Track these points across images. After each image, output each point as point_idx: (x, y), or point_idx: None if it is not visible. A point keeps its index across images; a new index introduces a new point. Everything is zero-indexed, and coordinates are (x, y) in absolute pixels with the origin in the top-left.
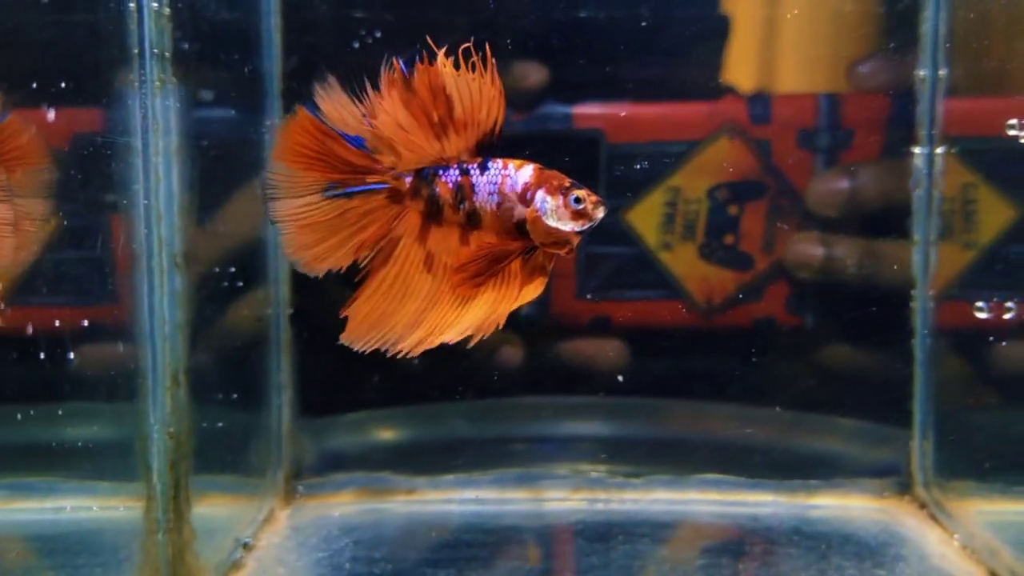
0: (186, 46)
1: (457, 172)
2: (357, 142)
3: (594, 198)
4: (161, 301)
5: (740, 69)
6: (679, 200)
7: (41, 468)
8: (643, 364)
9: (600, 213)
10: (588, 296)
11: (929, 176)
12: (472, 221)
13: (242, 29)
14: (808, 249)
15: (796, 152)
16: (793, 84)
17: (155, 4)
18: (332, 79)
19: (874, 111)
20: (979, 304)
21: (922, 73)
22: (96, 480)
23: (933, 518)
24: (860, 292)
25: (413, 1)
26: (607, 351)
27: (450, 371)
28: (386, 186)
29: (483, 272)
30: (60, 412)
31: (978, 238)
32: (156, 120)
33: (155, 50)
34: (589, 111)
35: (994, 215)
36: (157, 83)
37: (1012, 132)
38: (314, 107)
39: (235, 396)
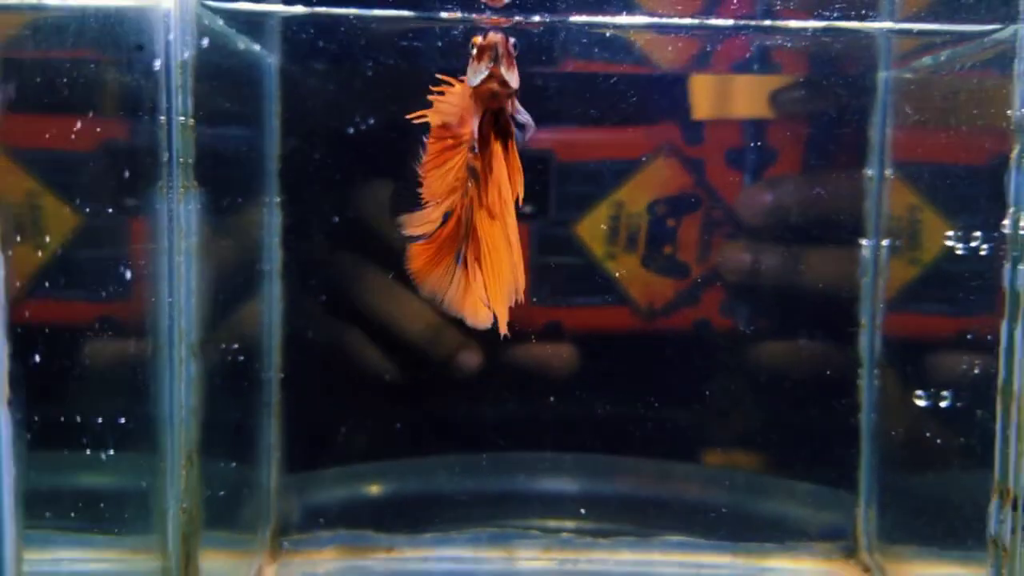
0: (206, 150)
1: None
2: None
3: (487, 33)
4: (179, 388)
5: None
6: (622, 214)
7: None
8: (592, 366)
9: (494, 36)
10: (541, 302)
11: (875, 266)
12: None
13: (247, 116)
14: (738, 256)
15: (726, 169)
16: (723, 111)
17: (181, 118)
18: None
19: (795, 133)
20: (919, 392)
21: (869, 172)
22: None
23: None
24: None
25: (405, 87)
26: (560, 353)
27: (427, 426)
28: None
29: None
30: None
31: (921, 255)
32: (180, 224)
33: (180, 159)
34: (541, 134)
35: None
36: (182, 189)
37: (949, 243)
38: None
39: (234, 463)
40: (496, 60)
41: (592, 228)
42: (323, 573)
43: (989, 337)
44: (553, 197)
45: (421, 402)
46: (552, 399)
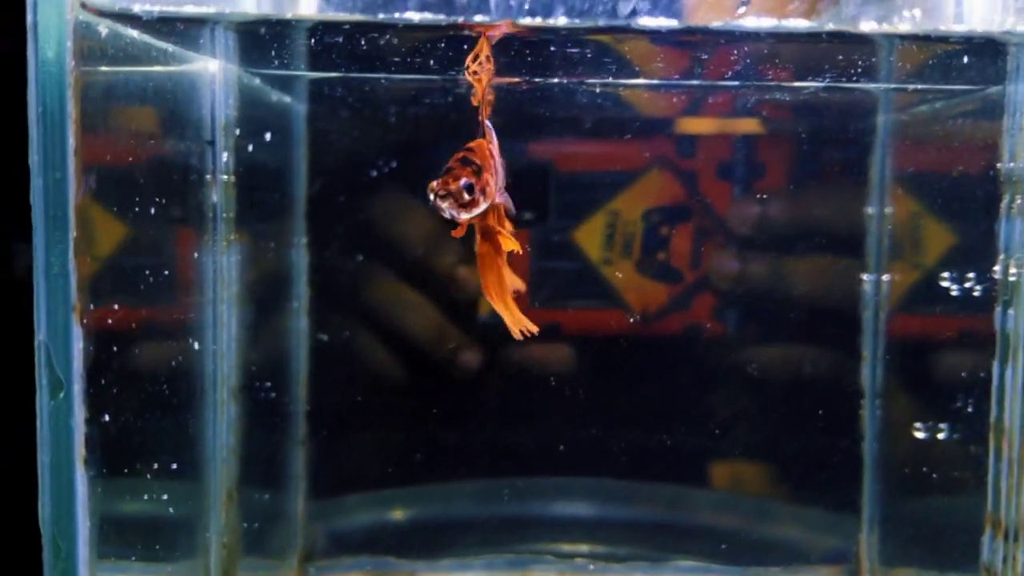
0: (247, 205)
1: None
2: None
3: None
4: (221, 429)
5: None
6: (618, 222)
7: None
8: (587, 366)
9: (454, 183)
10: (539, 304)
11: (876, 299)
12: None
13: (279, 166)
14: (727, 264)
15: (717, 182)
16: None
17: (224, 176)
18: None
19: (782, 148)
20: (917, 424)
21: (870, 210)
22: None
23: None
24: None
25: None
26: (556, 354)
27: (444, 456)
28: None
29: None
30: None
31: (923, 260)
32: (223, 274)
33: (223, 214)
34: (542, 146)
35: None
36: (225, 243)
37: (944, 283)
38: None
39: (267, 495)
40: (457, 209)
41: (590, 235)
42: None
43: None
44: (553, 205)
45: (441, 432)
46: (549, 401)
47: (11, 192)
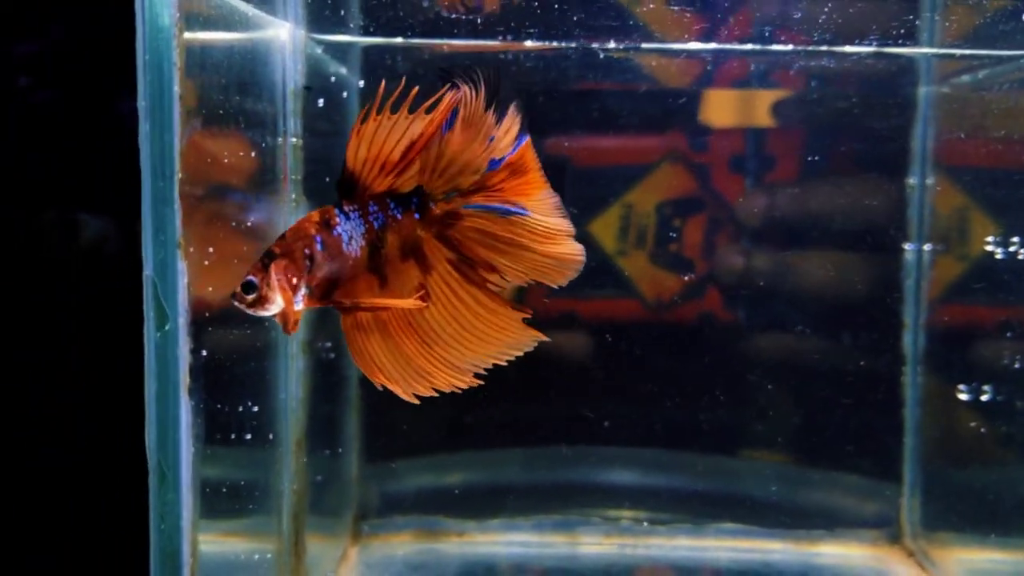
0: (309, 167)
1: None
2: None
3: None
4: (290, 380)
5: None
6: (632, 214)
7: None
8: (603, 352)
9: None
10: (557, 295)
11: (918, 270)
12: None
13: (336, 133)
14: (733, 258)
15: (728, 175)
16: (727, 120)
17: (293, 139)
18: None
19: (792, 142)
20: (961, 387)
21: (912, 181)
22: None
23: (920, 565)
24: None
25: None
26: (573, 341)
27: (491, 422)
28: None
29: None
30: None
31: (968, 251)
32: None
33: (293, 176)
34: (559, 141)
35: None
36: (294, 203)
37: (989, 248)
38: None
39: (327, 452)
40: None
41: (604, 227)
42: (401, 555)
43: None
44: (568, 198)
45: (484, 399)
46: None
47: (76, 164)
